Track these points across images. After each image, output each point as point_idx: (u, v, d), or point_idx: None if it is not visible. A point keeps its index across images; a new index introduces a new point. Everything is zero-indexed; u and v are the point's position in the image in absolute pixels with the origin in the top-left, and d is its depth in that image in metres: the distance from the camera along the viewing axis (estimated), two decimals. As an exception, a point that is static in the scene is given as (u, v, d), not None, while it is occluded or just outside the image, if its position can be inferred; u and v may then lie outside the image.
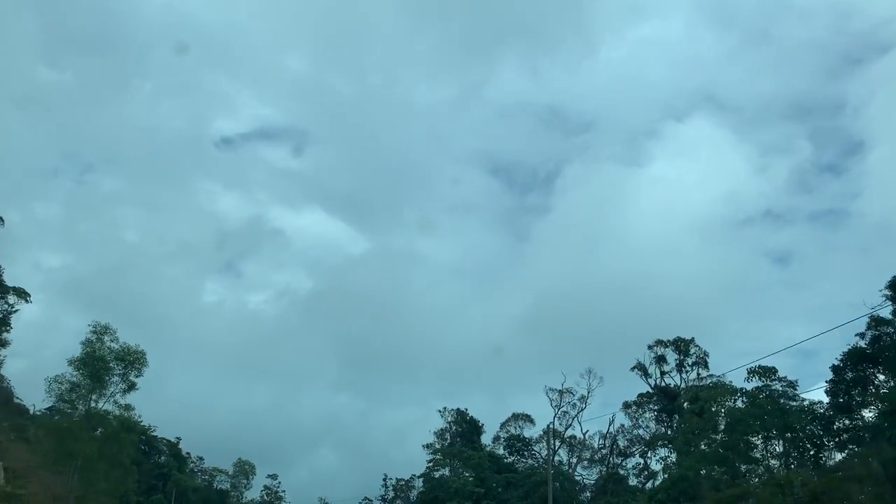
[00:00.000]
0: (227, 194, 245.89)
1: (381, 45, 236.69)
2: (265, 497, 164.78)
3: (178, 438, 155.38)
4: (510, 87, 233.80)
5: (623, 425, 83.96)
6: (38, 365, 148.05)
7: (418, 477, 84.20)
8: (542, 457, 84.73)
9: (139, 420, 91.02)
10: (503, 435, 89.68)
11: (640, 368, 78.45)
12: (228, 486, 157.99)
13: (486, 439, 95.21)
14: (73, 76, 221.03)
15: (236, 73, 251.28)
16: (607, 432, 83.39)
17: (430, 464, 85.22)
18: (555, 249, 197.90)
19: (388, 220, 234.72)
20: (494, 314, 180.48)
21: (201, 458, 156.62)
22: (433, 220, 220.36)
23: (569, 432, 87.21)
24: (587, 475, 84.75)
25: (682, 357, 75.97)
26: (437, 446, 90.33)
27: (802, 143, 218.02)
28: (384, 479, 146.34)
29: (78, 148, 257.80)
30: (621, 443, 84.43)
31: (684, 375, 76.70)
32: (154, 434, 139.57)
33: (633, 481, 78.68)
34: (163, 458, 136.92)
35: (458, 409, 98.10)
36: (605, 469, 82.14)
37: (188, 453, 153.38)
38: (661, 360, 77.75)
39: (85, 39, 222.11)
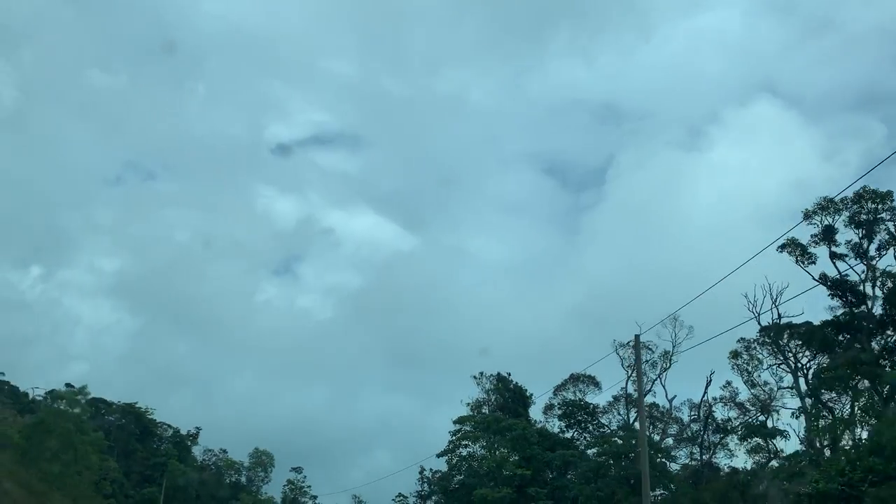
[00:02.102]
0: (281, 198, 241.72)
1: (427, 40, 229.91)
2: (287, 492, 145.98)
3: (197, 428, 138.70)
4: (562, 75, 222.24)
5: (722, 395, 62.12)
6: (99, 367, 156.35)
7: (438, 456, 64.19)
8: (613, 429, 63.78)
9: (84, 397, 73.74)
10: (557, 402, 68.35)
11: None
12: (244, 479, 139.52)
13: (536, 414, 74.30)
14: (130, 85, 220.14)
15: (289, 78, 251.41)
16: (702, 400, 61.03)
17: (455, 438, 64.69)
18: (608, 240, 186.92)
19: (439, 219, 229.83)
20: (545, 310, 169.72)
21: (224, 451, 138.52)
22: (483, 219, 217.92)
23: (648, 400, 66.24)
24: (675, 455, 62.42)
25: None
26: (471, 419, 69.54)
27: (875, 126, 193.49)
28: (420, 473, 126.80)
29: (139, 156, 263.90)
30: (720, 414, 62.67)
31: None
32: (152, 418, 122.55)
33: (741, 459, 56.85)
34: (162, 445, 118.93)
35: (498, 373, 77.42)
36: (697, 448, 60.11)
37: (190, 439, 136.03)
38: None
39: (141, 48, 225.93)
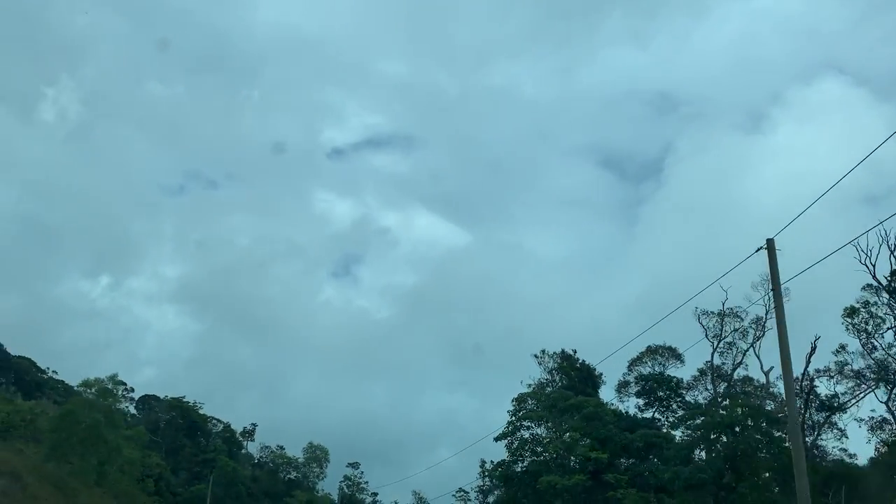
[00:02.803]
0: (338, 201, 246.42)
1: (475, 34, 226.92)
2: (344, 489, 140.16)
3: (253, 425, 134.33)
4: (615, 63, 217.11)
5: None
6: (167, 371, 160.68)
7: (496, 440, 56.09)
8: (696, 404, 54.79)
9: (119, 390, 68.40)
10: (632, 380, 59.41)
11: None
12: (299, 475, 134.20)
13: (607, 396, 65.49)
14: (188, 95, 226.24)
15: (342, 82, 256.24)
16: (804, 372, 51.29)
17: (514, 418, 56.35)
18: (668, 230, 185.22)
19: (494, 215, 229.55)
20: (604, 303, 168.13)
21: (281, 447, 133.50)
22: (539, 214, 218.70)
23: (739, 374, 57.15)
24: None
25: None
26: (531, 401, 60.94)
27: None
28: (481, 466, 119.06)
29: (199, 165, 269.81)
30: (824, 388, 53.00)
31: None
32: (202, 413, 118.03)
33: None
34: (209, 441, 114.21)
35: (562, 350, 69.00)
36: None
37: (246, 436, 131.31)
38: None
39: (198, 58, 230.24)
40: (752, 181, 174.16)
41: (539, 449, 53.90)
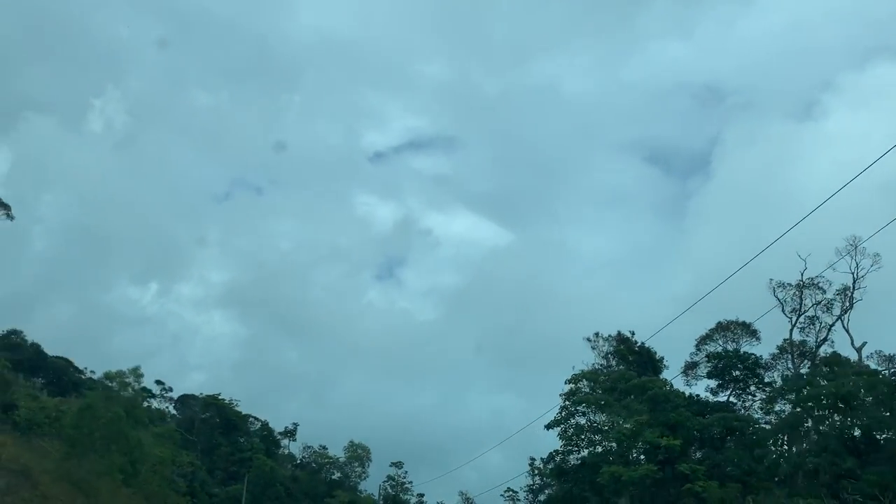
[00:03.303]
0: (381, 204, 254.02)
1: (513, 31, 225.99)
2: (388, 489, 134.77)
3: (294, 424, 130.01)
4: (658, 55, 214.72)
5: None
6: (216, 376, 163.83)
7: (547, 427, 49.31)
8: (795, 375, 47.48)
9: (138, 378, 64.10)
10: (701, 359, 52.18)
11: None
12: (341, 475, 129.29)
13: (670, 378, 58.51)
14: (231, 102, 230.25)
15: (383, 85, 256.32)
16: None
17: (568, 402, 49.32)
18: (717, 223, 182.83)
19: (537, 214, 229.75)
20: (652, 300, 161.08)
21: (324, 447, 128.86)
22: (584, 212, 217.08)
23: (825, 350, 49.73)
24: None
25: None
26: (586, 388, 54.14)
27: None
28: (531, 464, 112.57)
29: (244, 172, 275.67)
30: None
31: None
32: (237, 410, 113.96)
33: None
34: (249, 439, 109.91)
35: (618, 332, 62.36)
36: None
37: (288, 435, 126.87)
38: None
39: (240, 65, 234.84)
40: (804, 170, 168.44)
41: (597, 437, 47.32)
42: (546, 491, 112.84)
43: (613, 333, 64.52)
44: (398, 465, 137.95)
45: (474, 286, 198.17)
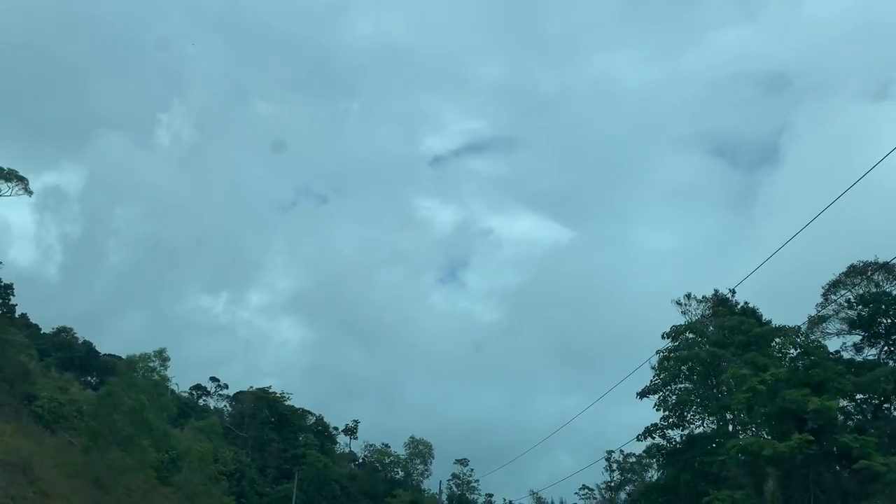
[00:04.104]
0: (442, 207, 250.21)
1: (569, 26, 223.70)
2: (452, 487, 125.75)
3: (355, 421, 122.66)
4: (720, 43, 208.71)
5: None
6: (287, 381, 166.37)
7: (640, 396, 38.60)
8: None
9: (164, 362, 56.57)
10: (831, 313, 40.53)
11: None
12: (402, 474, 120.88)
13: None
14: (292, 112, 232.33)
15: (440, 90, 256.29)
16: None
17: (669, 363, 38.09)
18: (788, 212, 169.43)
19: (600, 212, 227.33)
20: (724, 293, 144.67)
21: (387, 445, 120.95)
22: (648, 208, 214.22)
23: None
24: None
25: None
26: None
27: None
28: (607, 458, 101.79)
29: (309, 182, 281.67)
30: None
31: None
32: (290, 405, 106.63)
33: None
34: (301, 436, 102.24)
35: (714, 292, 51.77)
36: None
37: (349, 433, 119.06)
38: None
39: (300, 75, 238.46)
40: (880, 149, 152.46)
41: (707, 405, 36.62)
42: (626, 488, 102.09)
43: (709, 293, 53.68)
44: (463, 462, 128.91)
45: (537, 285, 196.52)
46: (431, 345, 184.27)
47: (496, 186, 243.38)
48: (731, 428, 33.25)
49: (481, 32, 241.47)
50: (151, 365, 57.38)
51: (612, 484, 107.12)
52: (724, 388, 36.91)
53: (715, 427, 37.07)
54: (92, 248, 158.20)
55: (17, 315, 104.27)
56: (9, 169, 63.38)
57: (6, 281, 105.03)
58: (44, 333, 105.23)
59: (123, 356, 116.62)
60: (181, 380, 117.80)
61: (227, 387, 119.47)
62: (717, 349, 37.27)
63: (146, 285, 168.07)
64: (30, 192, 64.61)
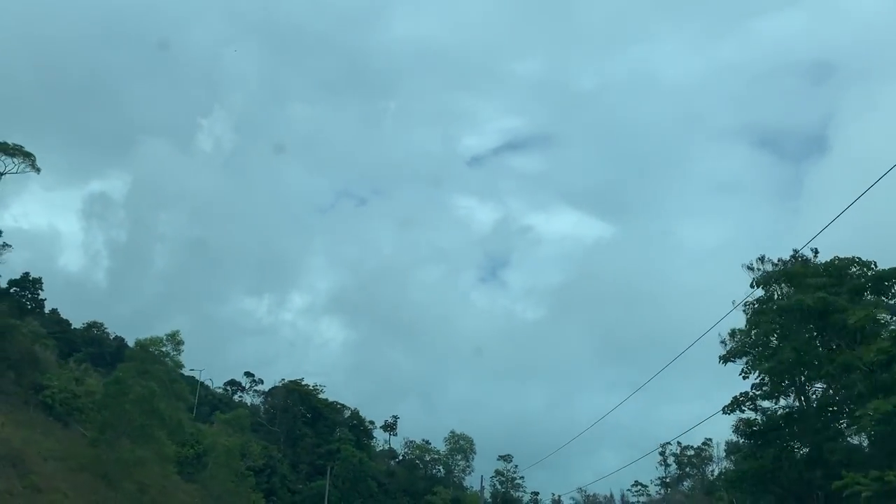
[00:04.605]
0: (481, 206, 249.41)
1: (606, 20, 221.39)
2: (496, 485, 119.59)
3: (394, 417, 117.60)
4: (763, 30, 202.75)
5: None
6: (330, 381, 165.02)
7: (724, 360, 32.11)
8: None
9: (177, 346, 51.78)
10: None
11: None
12: (442, 470, 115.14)
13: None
14: (330, 115, 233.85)
15: (477, 89, 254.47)
16: None
17: (761, 318, 31.30)
18: (838, 202, 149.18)
19: (641, 207, 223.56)
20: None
21: (427, 441, 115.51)
22: (691, 202, 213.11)
23: None
24: None
25: None
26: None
27: None
28: (662, 451, 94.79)
29: (347, 183, 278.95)
30: None
31: None
32: (323, 398, 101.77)
33: None
34: (336, 430, 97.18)
35: (794, 252, 45.23)
36: None
37: (388, 429, 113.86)
38: None
39: (337, 78, 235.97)
40: None
41: (818, 366, 29.33)
42: (685, 482, 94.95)
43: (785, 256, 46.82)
44: (507, 458, 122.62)
45: (578, 283, 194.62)
46: (472, 343, 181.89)
47: (535, 184, 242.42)
48: (856, 393, 26.44)
49: (517, 29, 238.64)
50: (164, 350, 52.58)
51: (668, 479, 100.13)
52: (836, 343, 30.04)
53: (826, 395, 30.40)
54: (137, 252, 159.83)
55: (46, 310, 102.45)
56: (14, 144, 59.36)
57: (35, 275, 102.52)
58: (74, 329, 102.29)
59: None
60: (222, 379, 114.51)
61: (261, 382, 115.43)
62: (828, 295, 30.43)
63: (191, 288, 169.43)
64: (37, 170, 60.42)
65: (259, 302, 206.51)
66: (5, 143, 59.02)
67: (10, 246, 61.47)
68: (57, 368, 63.31)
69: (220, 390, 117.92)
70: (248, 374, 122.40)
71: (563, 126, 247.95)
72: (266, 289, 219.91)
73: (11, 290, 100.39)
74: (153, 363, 50.94)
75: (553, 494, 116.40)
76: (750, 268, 47.14)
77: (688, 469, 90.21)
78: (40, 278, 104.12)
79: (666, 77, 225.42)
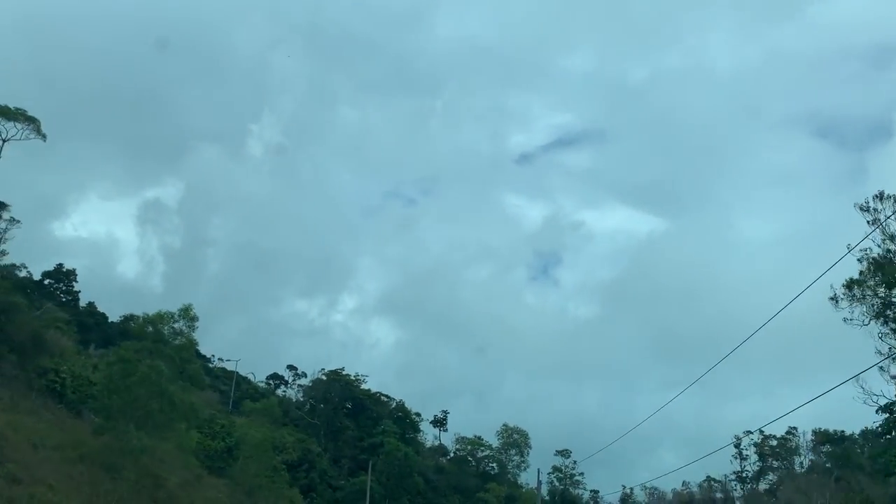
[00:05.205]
0: (531, 204, 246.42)
1: (656, 10, 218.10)
2: (554, 481, 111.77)
3: (444, 412, 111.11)
4: (820, 16, 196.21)
5: None
6: (383, 382, 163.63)
7: (844, 298, 24.83)
8: None
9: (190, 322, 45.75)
10: None
11: None
12: (496, 468, 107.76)
13: None
14: (378, 117, 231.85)
15: (526, 85, 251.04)
16: None
17: None
18: None
19: (697, 201, 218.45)
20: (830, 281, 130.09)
21: (479, 437, 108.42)
22: (748, 195, 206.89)
23: None
24: None
25: None
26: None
27: None
28: (736, 444, 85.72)
29: (396, 184, 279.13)
30: None
31: None
32: (365, 388, 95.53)
33: None
34: (380, 423, 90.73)
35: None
36: None
37: (438, 424, 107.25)
38: None
39: (384, 80, 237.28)
40: None
41: None
42: (766, 477, 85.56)
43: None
44: (564, 453, 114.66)
45: (632, 278, 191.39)
46: (524, 341, 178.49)
47: (586, 180, 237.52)
48: None
49: (564, 23, 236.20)
50: (175, 326, 46.68)
51: (745, 474, 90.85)
52: None
53: None
54: (191, 257, 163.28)
55: (82, 302, 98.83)
56: (16, 108, 54.42)
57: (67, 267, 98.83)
58: (111, 322, 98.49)
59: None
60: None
61: (304, 375, 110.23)
62: None
63: (243, 291, 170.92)
64: (43, 136, 55.25)
65: (310, 303, 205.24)
66: (7, 108, 54.11)
67: (19, 221, 56.50)
68: (74, 356, 58.23)
69: (262, 384, 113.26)
70: (290, 367, 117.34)
71: (614, 120, 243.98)
72: (317, 290, 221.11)
73: (45, 282, 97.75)
74: (162, 341, 44.99)
75: (623, 487, 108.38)
76: (864, 208, 38.85)
77: (772, 461, 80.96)
78: (74, 270, 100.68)
79: (721, 67, 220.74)
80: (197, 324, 46.65)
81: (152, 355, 44.02)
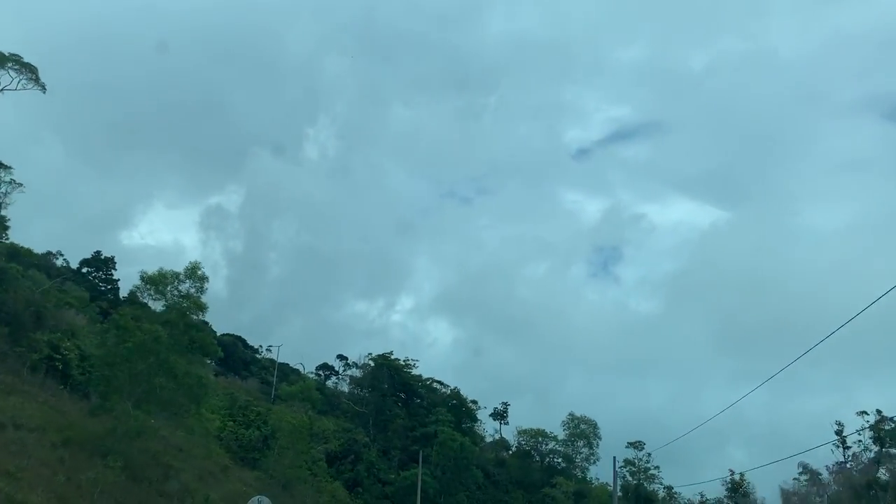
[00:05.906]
0: (590, 199, 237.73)
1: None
2: (626, 476, 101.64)
3: (505, 404, 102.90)
4: None
5: None
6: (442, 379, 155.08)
7: None
8: None
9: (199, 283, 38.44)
10: None
11: None
12: (563, 463, 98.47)
13: None
14: (431, 116, 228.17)
15: (581, 79, 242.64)
16: None
17: None
18: None
19: (761, 190, 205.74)
20: None
21: (543, 430, 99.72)
22: (815, 182, 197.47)
23: None
24: None
25: None
26: None
27: None
28: (838, 432, 74.75)
29: (452, 183, 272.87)
30: None
31: None
32: (416, 374, 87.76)
33: None
34: (435, 413, 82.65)
35: None
36: None
37: (499, 417, 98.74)
38: None
39: (437, 78, 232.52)
40: None
41: None
42: (885, 467, 73.99)
43: None
44: (637, 445, 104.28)
45: (695, 271, 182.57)
46: (585, 338, 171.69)
47: (645, 173, 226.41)
48: None
49: (619, 14, 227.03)
50: (182, 288, 39.53)
51: (850, 464, 79.38)
52: None
53: None
54: (253, 261, 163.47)
55: (123, 291, 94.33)
56: (10, 54, 48.35)
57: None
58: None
59: (243, 336, 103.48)
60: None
61: (354, 365, 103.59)
62: None
63: (305, 293, 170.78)
64: (42, 87, 49.06)
65: (370, 304, 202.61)
66: (1, 54, 47.98)
67: (22, 185, 50.62)
68: (88, 335, 52.02)
69: (311, 374, 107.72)
70: (340, 356, 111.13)
71: (673, 111, 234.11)
72: (376, 291, 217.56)
73: (84, 270, 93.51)
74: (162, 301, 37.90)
75: (731, 472, 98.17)
76: None
77: (887, 447, 69.75)
78: (113, 257, 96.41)
79: (782, 52, 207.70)
80: (207, 284, 39.41)
81: (140, 315, 37.06)
